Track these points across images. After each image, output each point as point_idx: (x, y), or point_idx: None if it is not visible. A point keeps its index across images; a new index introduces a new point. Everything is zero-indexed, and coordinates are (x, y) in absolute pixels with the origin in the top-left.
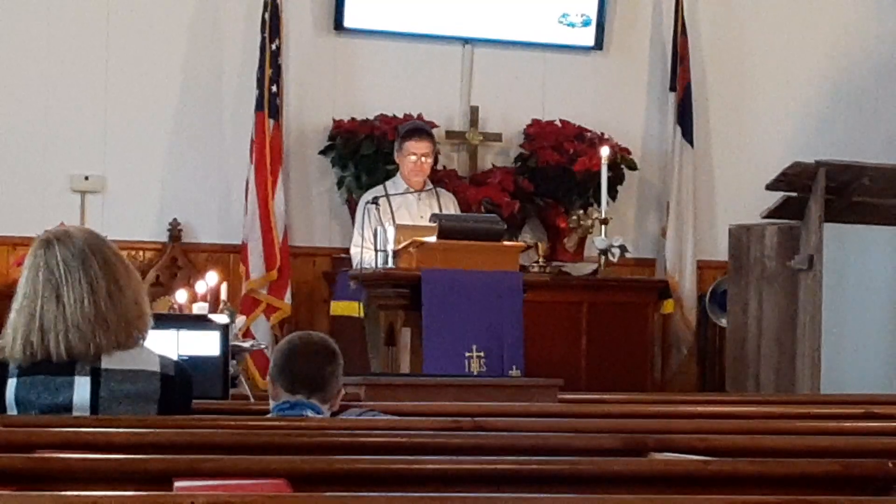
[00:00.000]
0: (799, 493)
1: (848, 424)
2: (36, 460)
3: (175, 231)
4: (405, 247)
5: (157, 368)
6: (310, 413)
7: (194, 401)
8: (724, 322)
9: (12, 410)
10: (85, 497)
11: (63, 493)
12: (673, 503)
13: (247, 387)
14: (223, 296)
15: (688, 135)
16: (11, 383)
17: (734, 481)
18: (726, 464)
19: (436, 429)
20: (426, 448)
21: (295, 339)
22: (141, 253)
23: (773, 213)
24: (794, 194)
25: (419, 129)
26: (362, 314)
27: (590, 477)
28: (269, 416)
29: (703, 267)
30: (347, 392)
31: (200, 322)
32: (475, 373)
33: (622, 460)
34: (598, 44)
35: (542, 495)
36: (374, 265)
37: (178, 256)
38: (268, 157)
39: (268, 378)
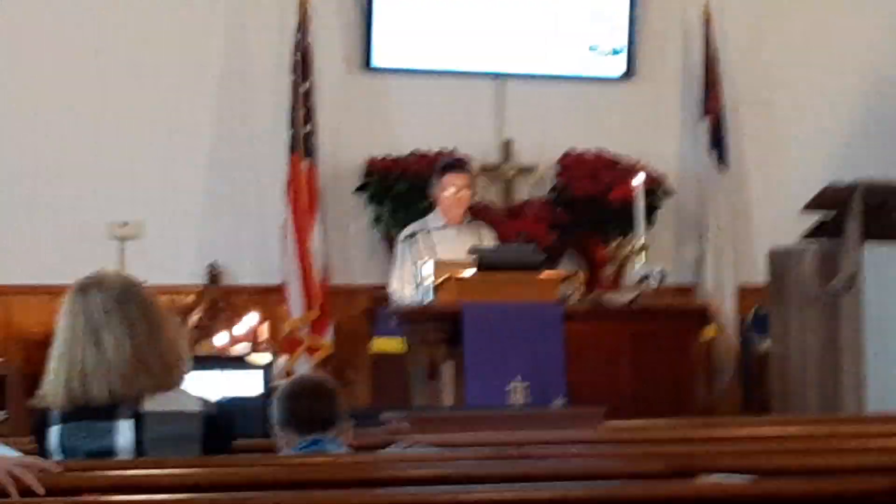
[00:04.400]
0: None
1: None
2: None
3: (214, 273)
4: (444, 281)
5: (198, 408)
6: (332, 448)
7: (237, 440)
8: (766, 346)
9: (57, 457)
10: None
11: None
12: None
13: None
14: (265, 335)
15: (722, 159)
16: (55, 430)
17: (784, 501)
18: (775, 483)
19: (481, 458)
20: (472, 478)
21: (293, 384)
22: (181, 297)
23: (811, 234)
24: (831, 215)
25: (457, 162)
26: (404, 350)
27: (637, 501)
28: None
29: (743, 291)
30: (391, 426)
31: (241, 362)
32: (518, 404)
33: (669, 483)
34: (629, 72)
35: None
36: (413, 300)
37: (219, 299)
38: (303, 196)
39: (274, 432)
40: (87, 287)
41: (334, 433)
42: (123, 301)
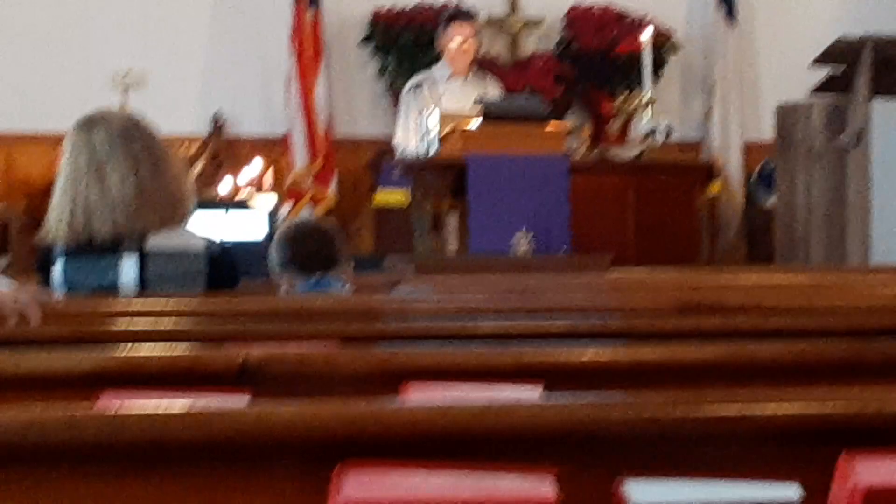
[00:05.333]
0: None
1: None
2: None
3: (218, 123)
4: (450, 133)
5: (202, 247)
6: (336, 287)
7: (241, 282)
8: (771, 202)
9: (60, 291)
10: (138, 355)
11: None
12: (736, 353)
13: None
14: (269, 184)
15: (731, 13)
16: (58, 266)
17: (795, 335)
18: (787, 319)
19: (485, 300)
20: (479, 313)
21: (293, 226)
22: (184, 146)
23: (819, 90)
24: (840, 69)
25: (462, 12)
26: (407, 202)
27: (646, 334)
28: None
29: (749, 147)
30: (397, 272)
31: (245, 206)
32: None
33: (678, 318)
34: None
35: (600, 356)
36: (418, 151)
37: (222, 148)
38: (308, 47)
39: (275, 275)
40: (92, 123)
41: (337, 273)
42: (128, 137)
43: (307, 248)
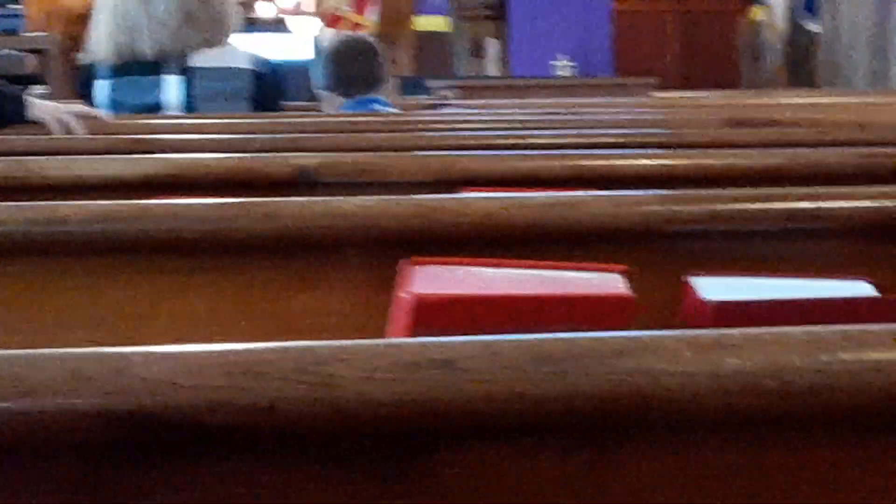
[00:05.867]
0: None
1: None
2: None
3: None
4: None
5: (248, 65)
6: (378, 107)
7: (284, 103)
8: (814, 27)
9: (108, 111)
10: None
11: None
12: (800, 159)
13: None
14: (310, 7)
15: None
16: (101, 84)
17: (851, 145)
18: (842, 132)
19: (533, 114)
20: (527, 126)
21: (337, 45)
22: None
23: None
24: None
25: None
26: (448, 28)
27: (700, 146)
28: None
29: None
30: (439, 94)
31: (287, 28)
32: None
33: (731, 131)
34: None
35: (657, 161)
36: None
37: None
38: None
39: (319, 90)
40: None
41: (380, 93)
42: None
43: (351, 67)
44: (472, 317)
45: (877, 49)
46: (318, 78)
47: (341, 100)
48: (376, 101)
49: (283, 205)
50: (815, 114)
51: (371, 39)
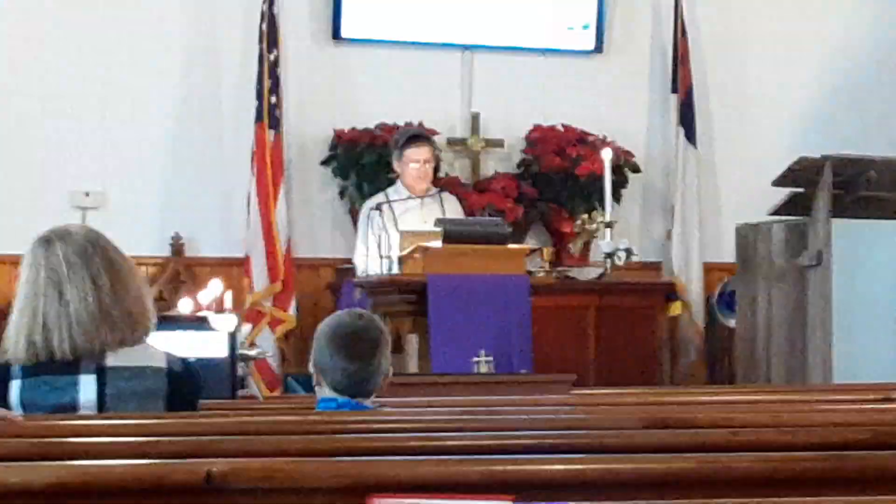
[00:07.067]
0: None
1: (870, 406)
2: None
3: (177, 245)
4: (410, 252)
5: (163, 364)
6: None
7: (202, 401)
8: (732, 323)
9: (18, 412)
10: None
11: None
12: (709, 465)
13: (256, 388)
14: (227, 305)
15: (691, 136)
16: (16, 385)
17: (763, 449)
18: (754, 434)
19: (451, 414)
20: (443, 429)
21: (340, 330)
22: (144, 269)
23: (780, 210)
24: (800, 190)
25: (417, 135)
26: None
27: (614, 449)
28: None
29: (709, 268)
30: None
31: (206, 324)
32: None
33: (647, 432)
34: (599, 47)
35: (570, 466)
36: (379, 272)
37: (181, 270)
38: (269, 168)
39: (311, 367)
40: (51, 239)
41: (368, 394)
42: (87, 254)
43: (344, 369)
44: None
45: (794, 345)
46: (318, 359)
47: (325, 388)
48: (356, 407)
49: None
50: (730, 412)
51: (379, 324)
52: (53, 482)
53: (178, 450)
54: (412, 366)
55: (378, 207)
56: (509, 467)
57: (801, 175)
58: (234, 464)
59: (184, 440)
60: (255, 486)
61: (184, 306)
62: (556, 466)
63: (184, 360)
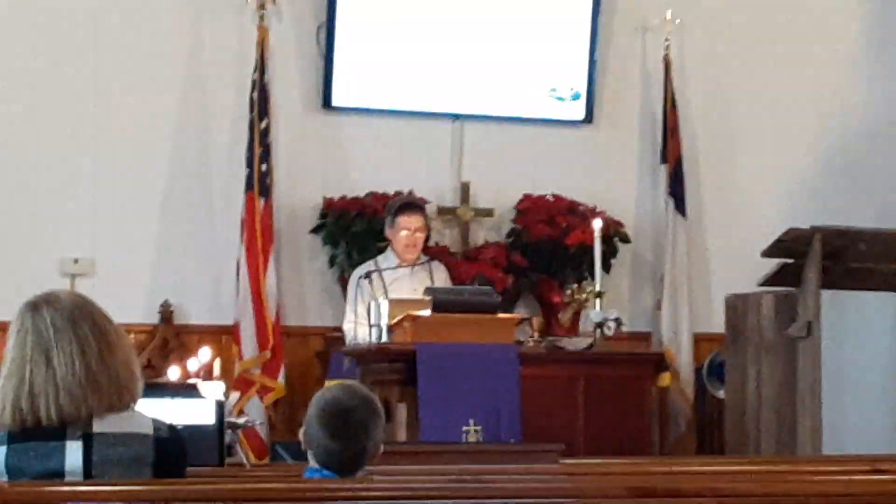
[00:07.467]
0: None
1: (857, 478)
2: None
3: (166, 313)
4: (399, 321)
5: (150, 431)
6: None
7: (189, 468)
8: (721, 394)
9: (3, 479)
10: None
11: None
12: None
13: (243, 455)
14: (216, 372)
15: (680, 207)
16: (1, 451)
17: None
18: (740, 503)
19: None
20: (432, 497)
21: (330, 408)
22: (132, 336)
23: (769, 281)
24: (790, 261)
25: (411, 203)
26: None
27: None
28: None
29: (699, 339)
30: None
31: (194, 391)
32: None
33: (634, 501)
34: (588, 117)
35: None
36: (368, 340)
37: (170, 338)
38: (259, 236)
39: (301, 435)
40: (38, 305)
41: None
42: (75, 319)
43: (334, 449)
44: None
45: (783, 416)
46: (312, 436)
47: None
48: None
49: None
50: (719, 483)
51: (374, 404)
52: None
53: None
54: (401, 434)
55: (368, 276)
56: None
57: (790, 246)
58: None
59: None
60: None
61: (172, 373)
62: None
63: (170, 427)
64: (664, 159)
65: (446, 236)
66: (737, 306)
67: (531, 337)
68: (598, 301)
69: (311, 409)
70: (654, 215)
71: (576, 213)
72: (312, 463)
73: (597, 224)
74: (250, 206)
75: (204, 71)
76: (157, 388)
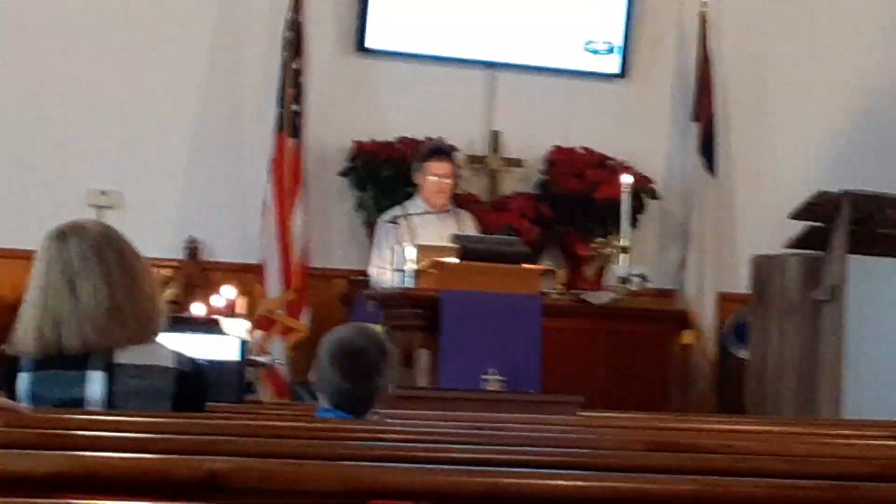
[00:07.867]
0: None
1: (876, 443)
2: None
3: (192, 249)
4: (425, 267)
5: (172, 364)
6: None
7: (208, 403)
8: (743, 354)
9: (25, 404)
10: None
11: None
12: (710, 488)
13: (263, 394)
14: (242, 310)
15: (710, 165)
16: (24, 377)
17: (766, 476)
18: (758, 461)
19: (456, 428)
20: (448, 440)
21: (341, 347)
22: (157, 271)
23: (796, 244)
24: (818, 224)
25: (441, 149)
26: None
27: (617, 468)
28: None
29: (723, 298)
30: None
31: (218, 327)
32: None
33: (650, 454)
34: (623, 71)
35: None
36: (393, 285)
37: (195, 274)
38: (287, 176)
39: (310, 376)
40: (65, 234)
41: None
42: (102, 250)
43: (345, 388)
44: None
45: (805, 379)
46: (321, 376)
47: (323, 400)
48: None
49: None
50: (737, 440)
51: (383, 343)
52: (55, 471)
53: (181, 447)
54: (421, 380)
55: (395, 220)
56: (512, 480)
57: (818, 209)
58: (235, 463)
59: (187, 438)
60: (256, 486)
61: (196, 309)
62: (558, 482)
63: (193, 361)
64: (696, 117)
65: (474, 184)
66: (763, 267)
67: (555, 289)
68: (623, 256)
69: (321, 350)
70: (684, 173)
71: (605, 168)
72: (323, 403)
73: (626, 179)
74: (280, 145)
75: (237, 8)
76: (180, 323)
